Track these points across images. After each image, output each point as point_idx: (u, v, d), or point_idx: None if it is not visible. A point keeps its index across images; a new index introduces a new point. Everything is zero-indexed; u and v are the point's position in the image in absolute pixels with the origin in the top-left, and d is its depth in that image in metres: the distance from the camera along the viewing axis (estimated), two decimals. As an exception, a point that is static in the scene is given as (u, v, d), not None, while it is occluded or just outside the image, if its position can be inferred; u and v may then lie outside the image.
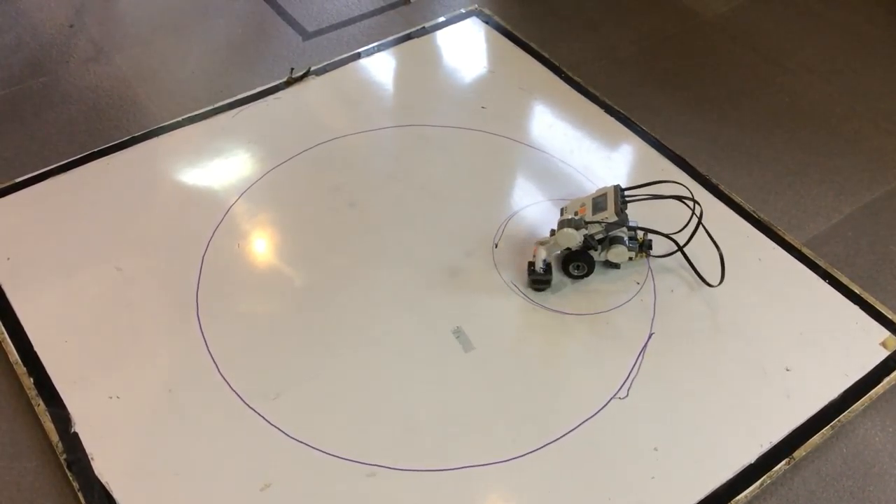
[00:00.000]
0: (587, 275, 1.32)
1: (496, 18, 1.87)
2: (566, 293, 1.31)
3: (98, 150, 1.50)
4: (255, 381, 1.17)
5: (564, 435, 1.13)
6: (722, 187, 1.50)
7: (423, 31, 1.83)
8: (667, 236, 1.33)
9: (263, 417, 1.13)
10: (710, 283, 1.32)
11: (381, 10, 1.90)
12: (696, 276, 1.34)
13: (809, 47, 1.87)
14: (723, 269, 1.31)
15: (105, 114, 1.60)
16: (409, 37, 1.81)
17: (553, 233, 1.33)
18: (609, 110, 1.65)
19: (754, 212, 1.46)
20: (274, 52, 1.77)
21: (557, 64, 1.75)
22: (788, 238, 1.42)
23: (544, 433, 1.13)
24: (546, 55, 1.77)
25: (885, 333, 1.28)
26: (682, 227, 1.36)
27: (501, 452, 1.11)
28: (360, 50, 1.77)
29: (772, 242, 1.41)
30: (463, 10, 1.89)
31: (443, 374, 1.20)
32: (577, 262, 1.31)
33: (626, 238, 1.30)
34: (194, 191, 1.44)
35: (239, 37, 1.81)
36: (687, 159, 1.55)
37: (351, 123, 1.58)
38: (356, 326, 1.25)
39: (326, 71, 1.70)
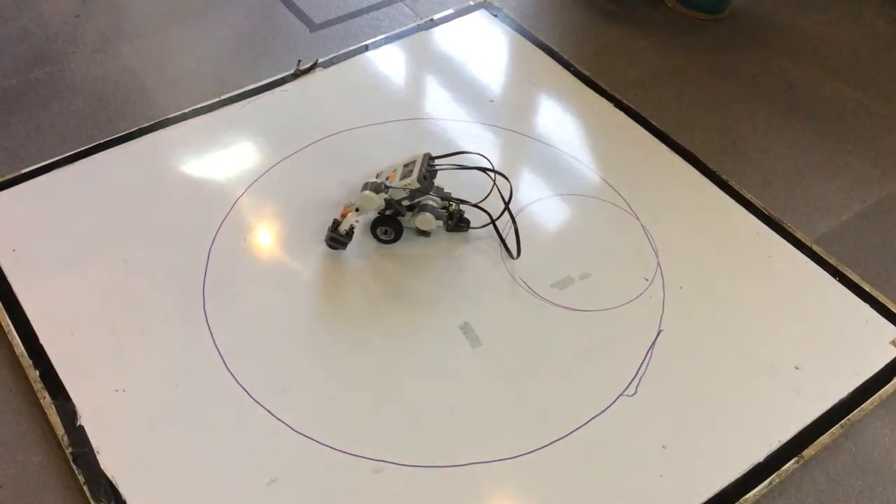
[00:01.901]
0: (395, 240, 1.34)
1: (505, 11, 1.86)
2: (574, 290, 1.30)
3: (104, 141, 1.50)
4: (262, 376, 1.17)
5: (572, 432, 1.13)
6: (732, 183, 1.49)
7: (432, 24, 1.82)
8: (475, 206, 1.35)
9: (270, 412, 1.13)
10: (512, 255, 1.34)
11: (389, 2, 1.88)
12: (507, 250, 1.36)
13: (821, 43, 1.86)
14: (518, 242, 1.34)
15: (111, 104, 1.59)
16: (417, 29, 1.80)
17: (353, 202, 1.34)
18: (618, 105, 1.64)
19: (764, 208, 1.45)
20: (281, 43, 1.76)
21: (567, 58, 1.74)
22: (799, 235, 1.41)
23: (552, 430, 1.13)
24: (555, 48, 1.76)
25: (895, 332, 1.27)
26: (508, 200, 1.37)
27: (509, 449, 1.10)
28: (367, 42, 1.76)
29: (782, 239, 1.40)
30: (471, 3, 1.88)
31: (450, 370, 1.19)
32: (385, 227, 1.33)
33: (437, 206, 1.32)
34: (201, 183, 1.43)
35: (246, 28, 1.80)
36: (697, 154, 1.54)
37: (358, 116, 1.57)
38: (363, 321, 1.24)
39: (334, 63, 1.70)
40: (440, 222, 1.33)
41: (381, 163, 1.46)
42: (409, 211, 1.32)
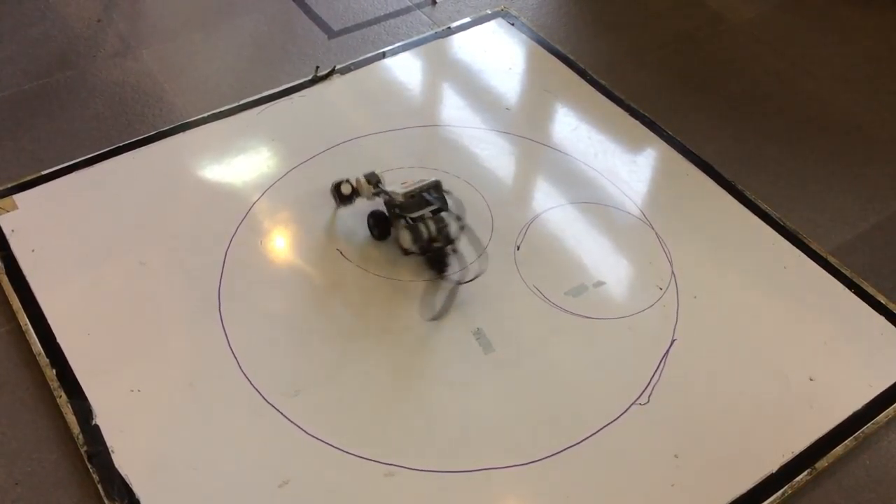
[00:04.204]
0: (380, 237, 1.37)
1: (522, 19, 1.86)
2: (588, 297, 1.30)
3: (124, 145, 1.51)
4: (276, 378, 1.17)
5: (584, 439, 1.13)
6: (748, 194, 1.48)
7: (449, 32, 1.83)
8: (456, 217, 1.30)
9: (283, 414, 1.13)
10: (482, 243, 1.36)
11: (407, 10, 1.90)
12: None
13: (838, 54, 1.85)
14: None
15: (131, 108, 1.61)
16: (434, 37, 1.81)
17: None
18: (634, 114, 1.64)
19: (780, 219, 1.44)
20: (299, 49, 1.77)
21: (583, 66, 1.75)
22: (814, 246, 1.40)
23: (564, 437, 1.13)
24: (572, 57, 1.77)
25: (911, 345, 1.27)
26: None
27: (520, 455, 1.10)
28: (384, 49, 1.77)
29: (797, 250, 1.40)
30: (489, 11, 1.89)
31: (462, 376, 1.19)
32: (373, 220, 1.36)
33: (423, 232, 1.26)
34: (218, 187, 1.44)
35: (265, 34, 1.82)
36: (713, 165, 1.54)
37: (374, 123, 1.58)
38: (377, 325, 1.25)
39: (351, 70, 1.71)
40: (415, 247, 1.28)
41: (397, 168, 1.47)
42: (399, 219, 1.30)
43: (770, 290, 1.33)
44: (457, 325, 1.25)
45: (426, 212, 1.28)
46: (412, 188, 1.30)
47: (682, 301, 1.31)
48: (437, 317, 1.27)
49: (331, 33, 1.83)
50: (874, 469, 1.14)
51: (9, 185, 1.42)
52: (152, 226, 1.37)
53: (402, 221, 1.29)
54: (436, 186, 1.32)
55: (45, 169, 1.46)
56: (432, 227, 1.27)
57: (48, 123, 1.57)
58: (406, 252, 1.32)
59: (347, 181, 1.37)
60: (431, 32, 1.83)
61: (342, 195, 1.38)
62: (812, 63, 1.82)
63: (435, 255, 1.30)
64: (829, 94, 1.75)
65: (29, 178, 1.44)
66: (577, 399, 1.17)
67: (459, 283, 1.31)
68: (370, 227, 1.37)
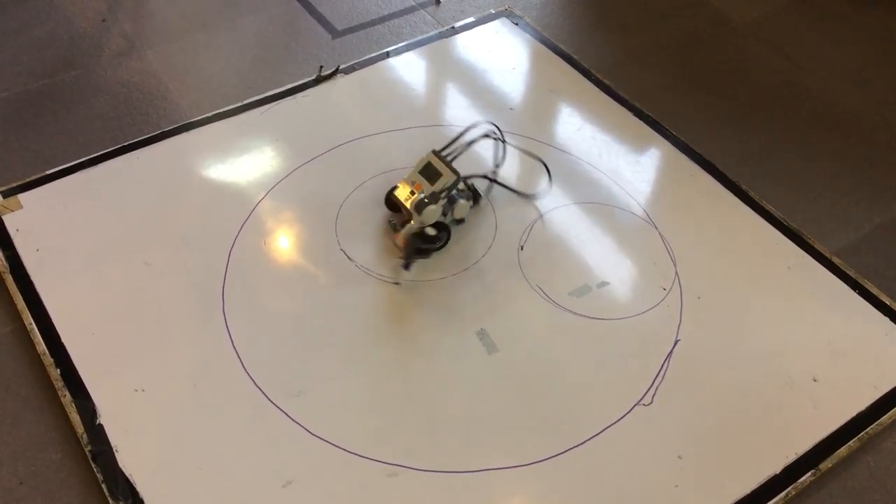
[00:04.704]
0: (447, 242, 1.36)
1: (526, 19, 1.86)
2: (591, 298, 1.30)
3: (128, 144, 1.52)
4: (279, 378, 1.17)
5: (587, 440, 1.13)
6: (752, 194, 1.48)
7: (453, 31, 1.83)
8: (484, 177, 1.45)
9: (286, 414, 1.13)
10: (526, 195, 1.43)
11: (411, 10, 1.90)
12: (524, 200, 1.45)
13: (843, 54, 1.85)
14: (549, 175, 1.47)
15: (135, 108, 1.61)
16: (438, 36, 1.81)
17: (393, 224, 1.38)
18: (638, 114, 1.64)
19: (784, 219, 1.44)
20: (303, 49, 1.78)
21: (587, 66, 1.74)
22: (818, 247, 1.40)
23: (567, 438, 1.13)
24: (576, 57, 1.77)
25: (915, 346, 1.27)
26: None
27: (524, 456, 1.10)
28: (388, 49, 1.77)
29: (801, 251, 1.39)
30: (493, 11, 1.89)
31: (466, 376, 1.19)
32: (438, 234, 1.34)
33: (459, 193, 1.37)
34: (222, 187, 1.45)
35: (269, 34, 1.82)
36: (716, 165, 1.54)
37: (378, 122, 1.58)
38: (380, 326, 1.25)
39: (355, 69, 1.71)
40: (470, 203, 1.38)
41: (400, 168, 1.47)
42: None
43: (774, 291, 1.33)
44: (460, 326, 1.25)
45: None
46: (442, 173, 1.32)
47: (686, 302, 1.31)
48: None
49: (335, 33, 1.83)
50: (878, 470, 1.14)
51: (14, 185, 1.43)
52: (156, 226, 1.37)
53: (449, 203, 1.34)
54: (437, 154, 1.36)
55: (49, 168, 1.46)
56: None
57: (53, 123, 1.57)
58: (461, 221, 1.37)
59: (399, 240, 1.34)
60: (435, 32, 1.83)
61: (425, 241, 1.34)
62: (817, 63, 1.82)
63: (474, 191, 1.41)
64: (833, 94, 1.74)
65: (34, 177, 1.44)
66: (581, 400, 1.17)
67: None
68: (434, 244, 1.35)
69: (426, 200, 1.29)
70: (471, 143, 1.45)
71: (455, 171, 1.33)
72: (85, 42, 1.77)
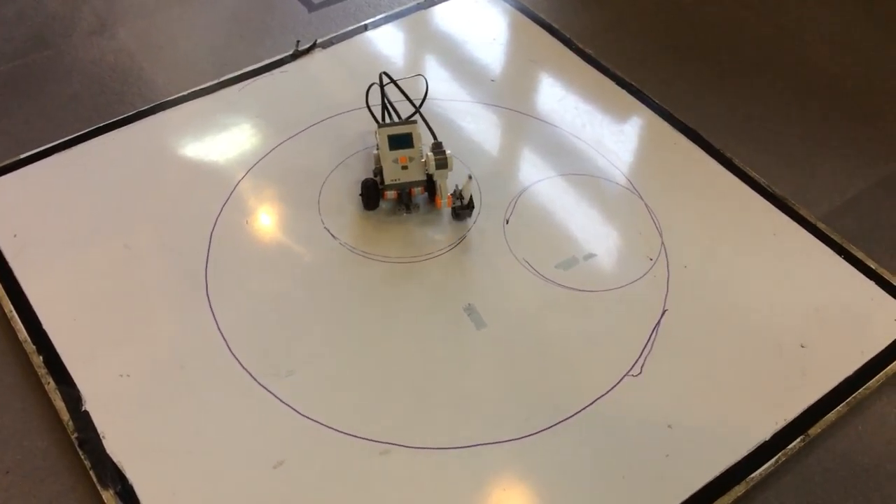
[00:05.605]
0: (367, 208, 1.36)
1: (505, -11, 1.84)
2: (578, 270, 1.30)
3: (103, 125, 1.49)
4: (267, 359, 1.16)
5: (577, 413, 1.13)
6: (736, 161, 1.48)
7: (431, 3, 1.80)
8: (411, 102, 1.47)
9: (275, 395, 1.12)
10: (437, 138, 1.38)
11: (389, -19, 1.87)
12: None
13: (825, 18, 1.84)
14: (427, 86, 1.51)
15: (110, 88, 1.58)
16: (416, 8, 1.79)
17: (407, 206, 1.36)
18: (621, 83, 1.63)
19: (769, 186, 1.44)
20: (279, 23, 1.74)
21: (568, 35, 1.73)
22: (804, 213, 1.40)
23: (557, 411, 1.13)
24: (556, 26, 1.75)
25: (901, 309, 1.27)
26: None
27: (514, 430, 1.10)
28: (366, 22, 1.74)
29: (787, 217, 1.39)
30: (471, -19, 1.86)
31: (455, 352, 1.19)
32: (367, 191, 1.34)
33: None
34: (201, 166, 1.42)
35: (244, 9, 1.78)
36: (701, 133, 1.53)
37: (358, 98, 1.55)
38: (367, 303, 1.24)
39: (333, 43, 1.68)
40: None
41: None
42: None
43: (760, 258, 1.33)
44: (448, 302, 1.24)
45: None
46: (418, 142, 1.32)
47: (673, 271, 1.31)
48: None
49: (311, 6, 1.79)
50: (866, 434, 1.15)
51: (-13, 170, 1.40)
52: (135, 208, 1.35)
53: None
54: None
55: (23, 152, 1.43)
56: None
57: (26, 105, 1.54)
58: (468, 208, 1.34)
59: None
60: (414, 4, 1.80)
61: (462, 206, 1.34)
62: (799, 27, 1.81)
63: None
64: (816, 58, 1.74)
65: (8, 161, 1.41)
66: (570, 372, 1.17)
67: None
68: (363, 197, 1.34)
69: (442, 148, 1.29)
70: (386, 104, 1.45)
71: (410, 122, 1.34)
72: (56, 21, 1.73)
